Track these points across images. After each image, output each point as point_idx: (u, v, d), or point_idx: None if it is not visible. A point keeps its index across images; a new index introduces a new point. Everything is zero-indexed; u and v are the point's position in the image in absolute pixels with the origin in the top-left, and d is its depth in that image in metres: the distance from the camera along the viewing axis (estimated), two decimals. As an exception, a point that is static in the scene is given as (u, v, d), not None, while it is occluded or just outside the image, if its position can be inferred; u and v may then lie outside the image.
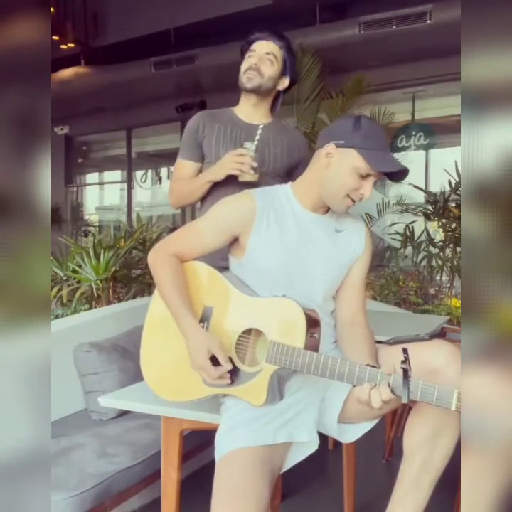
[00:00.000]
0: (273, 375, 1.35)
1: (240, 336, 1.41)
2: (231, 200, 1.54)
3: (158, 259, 1.51)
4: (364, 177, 1.43)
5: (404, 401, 1.22)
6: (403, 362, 1.21)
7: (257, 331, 1.41)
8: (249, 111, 2.05)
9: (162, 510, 1.61)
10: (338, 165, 1.44)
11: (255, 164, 1.86)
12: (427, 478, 1.39)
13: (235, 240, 1.52)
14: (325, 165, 1.46)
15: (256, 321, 1.41)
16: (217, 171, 1.93)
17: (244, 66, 2.00)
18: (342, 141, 1.43)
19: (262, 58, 1.97)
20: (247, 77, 1.97)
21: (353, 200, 1.46)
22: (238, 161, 1.86)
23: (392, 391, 1.23)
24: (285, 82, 2.04)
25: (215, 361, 1.37)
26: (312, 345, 1.34)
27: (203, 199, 2.03)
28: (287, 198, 1.52)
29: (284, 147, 2.04)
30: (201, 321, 1.46)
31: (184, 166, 2.08)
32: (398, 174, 1.45)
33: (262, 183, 1.91)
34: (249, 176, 1.86)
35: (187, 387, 1.44)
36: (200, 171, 2.07)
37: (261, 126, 1.93)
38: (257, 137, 1.90)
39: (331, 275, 1.52)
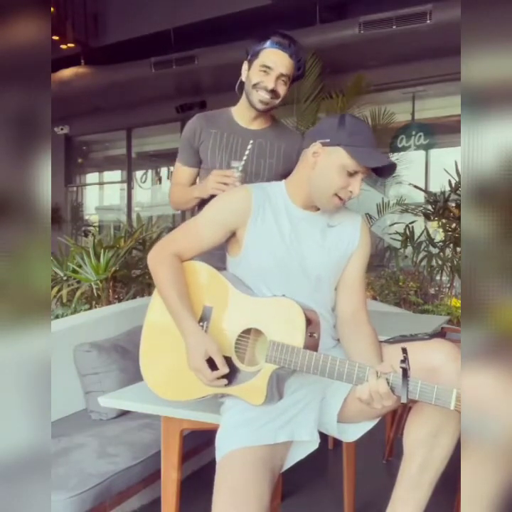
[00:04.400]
0: (272, 375, 1.35)
1: (239, 336, 1.41)
2: (227, 195, 1.56)
3: (158, 260, 1.51)
4: (352, 174, 1.42)
5: (404, 400, 1.22)
6: (402, 361, 1.21)
7: (257, 331, 1.41)
8: (249, 117, 1.98)
9: (162, 510, 1.61)
10: (324, 164, 1.44)
11: (239, 184, 1.80)
12: (427, 478, 1.39)
13: (232, 237, 1.52)
14: (312, 165, 1.46)
15: (255, 321, 1.41)
16: (203, 189, 1.92)
17: (254, 77, 1.87)
18: (328, 140, 1.43)
19: (278, 78, 1.85)
20: (260, 99, 1.87)
21: (341, 199, 1.45)
22: (222, 181, 1.83)
23: (392, 390, 1.23)
24: (288, 89, 1.93)
25: (212, 363, 1.36)
26: (312, 344, 1.35)
27: (201, 203, 2.02)
28: (281, 195, 1.52)
29: (280, 156, 1.99)
30: (201, 320, 1.46)
31: (182, 170, 2.08)
32: (386, 169, 1.44)
33: None
34: None
35: (187, 387, 1.44)
36: (198, 175, 2.06)
37: (249, 147, 1.86)
38: (245, 157, 1.85)
39: (323, 270, 1.51)
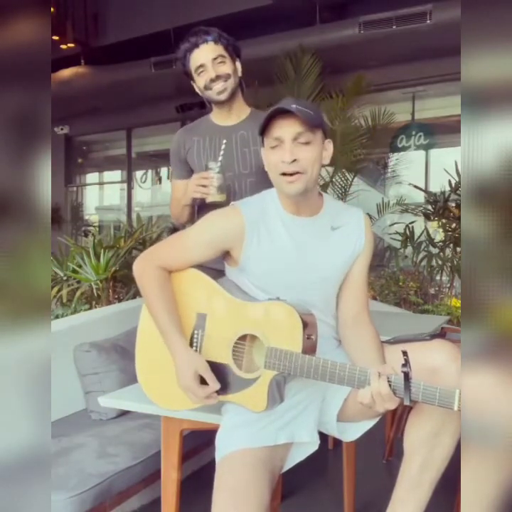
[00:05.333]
0: (272, 381, 1.33)
1: (236, 342, 1.40)
2: (217, 217, 1.50)
3: (145, 272, 1.49)
4: (278, 145, 1.39)
5: (407, 403, 1.22)
6: (404, 365, 1.20)
7: (253, 336, 1.39)
8: (225, 115, 2.00)
9: (162, 510, 1.61)
10: (264, 159, 1.48)
11: (218, 184, 1.82)
12: (427, 478, 1.39)
13: (226, 252, 1.50)
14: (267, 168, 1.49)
15: (251, 327, 1.39)
16: (186, 195, 1.93)
17: (200, 83, 1.94)
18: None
19: (214, 65, 1.89)
20: (217, 91, 1.91)
21: (286, 174, 1.39)
22: (200, 183, 1.83)
23: (394, 392, 1.23)
24: (239, 66, 1.97)
25: (202, 379, 1.36)
26: (309, 347, 1.33)
27: (199, 211, 2.01)
28: (274, 205, 1.49)
29: None
30: (195, 328, 1.45)
31: (178, 185, 2.09)
32: (290, 113, 1.36)
33: (253, 190, 1.87)
34: (215, 197, 1.83)
35: (185, 397, 1.42)
36: None
37: (223, 147, 1.88)
38: (220, 158, 1.86)
39: (328, 272, 1.49)
